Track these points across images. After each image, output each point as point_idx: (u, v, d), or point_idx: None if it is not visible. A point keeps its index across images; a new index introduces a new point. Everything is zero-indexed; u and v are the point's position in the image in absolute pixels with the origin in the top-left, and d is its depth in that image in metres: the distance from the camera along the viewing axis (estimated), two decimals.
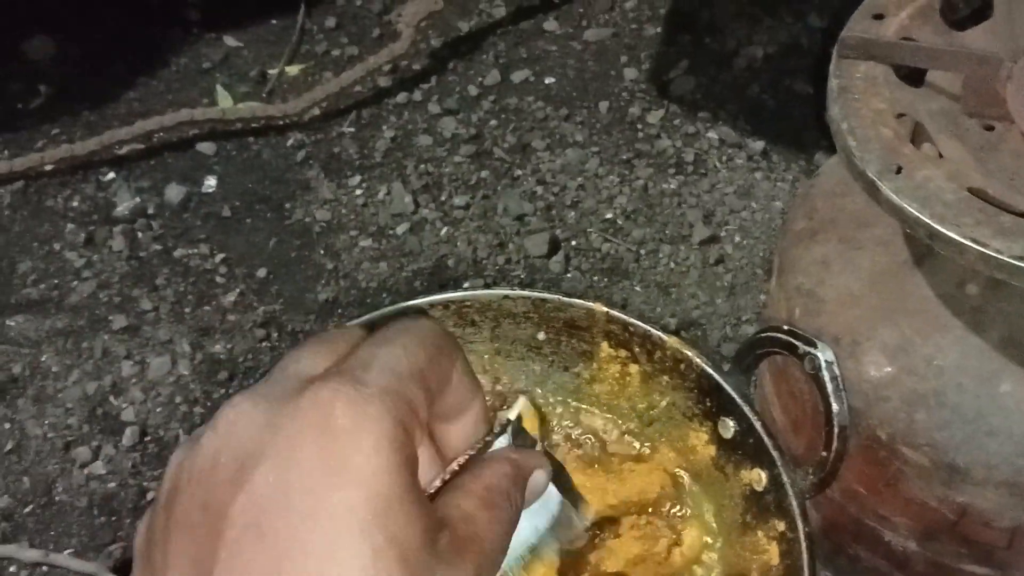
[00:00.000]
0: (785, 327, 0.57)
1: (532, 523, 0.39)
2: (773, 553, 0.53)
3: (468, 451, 0.35)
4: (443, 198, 1.16)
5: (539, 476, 0.36)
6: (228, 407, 0.32)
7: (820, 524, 0.74)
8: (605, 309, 0.61)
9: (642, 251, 1.10)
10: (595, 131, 1.21)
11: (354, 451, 0.30)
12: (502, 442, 0.37)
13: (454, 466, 0.35)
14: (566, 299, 0.62)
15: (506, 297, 0.62)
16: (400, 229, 1.14)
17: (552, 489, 0.38)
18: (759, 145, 1.17)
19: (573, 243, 1.11)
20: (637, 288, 1.07)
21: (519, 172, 1.18)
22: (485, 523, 0.33)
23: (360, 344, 0.35)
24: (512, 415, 0.37)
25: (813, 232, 0.76)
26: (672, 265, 1.08)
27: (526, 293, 0.62)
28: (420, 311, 0.56)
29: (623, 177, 1.16)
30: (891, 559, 0.73)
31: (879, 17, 0.67)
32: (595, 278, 1.08)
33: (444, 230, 1.14)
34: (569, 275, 1.09)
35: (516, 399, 0.38)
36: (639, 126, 1.21)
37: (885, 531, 0.72)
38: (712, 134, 1.19)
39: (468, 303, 0.63)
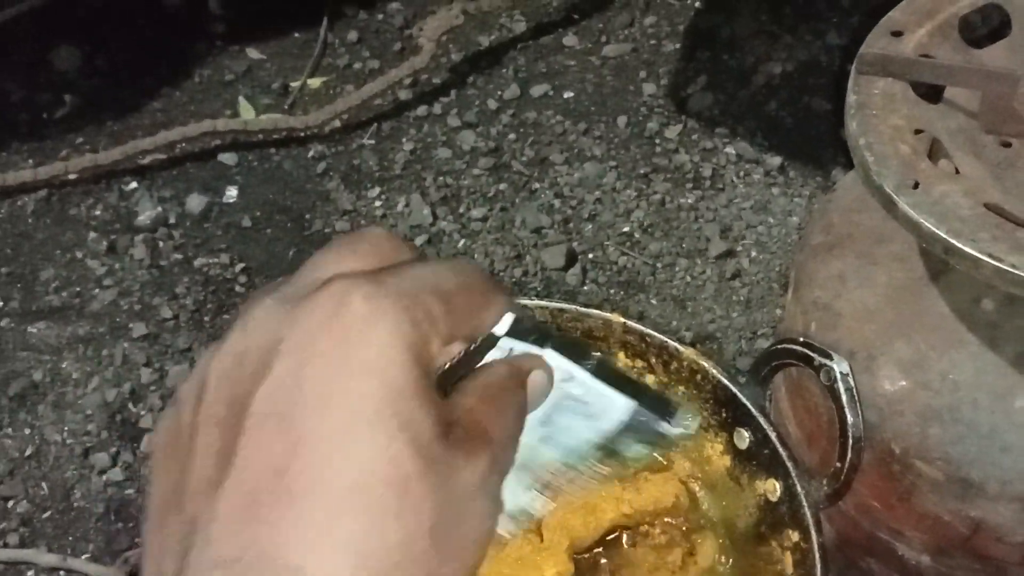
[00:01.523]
0: (801, 339, 0.58)
1: (591, 425, 0.39)
2: (787, 563, 0.53)
3: (454, 356, 0.35)
4: (461, 210, 1.17)
5: (537, 376, 0.36)
6: (251, 305, 0.33)
7: (834, 538, 0.74)
8: (622, 320, 0.61)
9: (659, 265, 1.10)
10: (613, 145, 1.22)
11: (369, 343, 0.31)
12: (494, 354, 0.36)
13: (448, 360, 0.35)
14: (583, 309, 0.62)
15: (524, 307, 0.63)
16: (418, 241, 1.15)
17: (613, 395, 0.38)
18: (776, 161, 1.17)
19: (590, 256, 1.12)
20: (653, 301, 1.07)
21: (537, 185, 1.19)
22: (491, 418, 0.34)
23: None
24: (498, 329, 0.37)
25: (830, 247, 0.76)
26: (688, 279, 1.09)
27: (544, 303, 0.63)
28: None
29: (640, 191, 1.17)
30: (904, 573, 0.73)
31: (898, 34, 0.68)
32: (611, 291, 1.09)
33: (462, 242, 1.14)
34: (586, 288, 1.09)
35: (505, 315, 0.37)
36: (657, 141, 1.22)
37: (898, 545, 0.72)
38: (730, 149, 1.19)
39: None
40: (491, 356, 0.36)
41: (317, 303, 0.31)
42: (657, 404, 0.39)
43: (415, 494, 0.30)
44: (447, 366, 0.34)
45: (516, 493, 0.37)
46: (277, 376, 0.31)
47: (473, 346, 0.35)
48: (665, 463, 0.60)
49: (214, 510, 0.30)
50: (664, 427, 0.40)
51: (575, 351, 0.38)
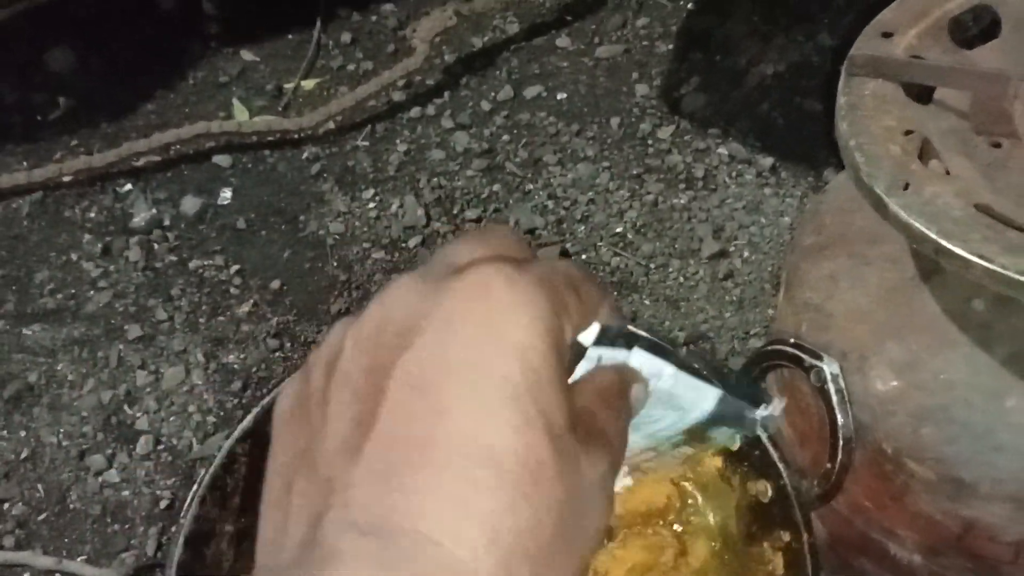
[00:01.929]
0: (792, 340, 0.58)
1: (681, 415, 0.40)
2: (778, 563, 0.53)
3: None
4: (455, 211, 1.18)
5: (638, 388, 0.37)
6: (393, 285, 0.33)
7: (826, 538, 0.74)
8: None
9: (652, 265, 1.11)
10: (606, 146, 1.22)
11: (512, 325, 0.31)
12: (584, 364, 0.37)
13: None
14: None
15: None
16: (412, 242, 1.15)
17: (701, 386, 0.39)
18: (768, 161, 1.18)
19: (583, 257, 1.12)
20: (646, 302, 1.08)
21: (530, 186, 1.19)
22: (608, 420, 0.34)
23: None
24: (585, 339, 0.37)
25: (822, 247, 0.76)
26: (681, 279, 1.09)
27: None
28: None
29: (633, 192, 1.17)
30: (897, 573, 0.73)
31: (888, 35, 0.68)
32: None
33: None
34: None
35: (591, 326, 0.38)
36: (650, 142, 1.22)
37: (891, 545, 0.72)
38: (722, 150, 1.20)
39: None
40: (582, 366, 0.36)
41: (461, 283, 0.32)
42: (743, 391, 0.40)
43: (548, 481, 0.30)
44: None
45: None
46: (421, 348, 0.31)
47: (581, 346, 0.36)
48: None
49: (353, 474, 0.30)
50: (749, 411, 0.40)
51: (660, 351, 0.38)
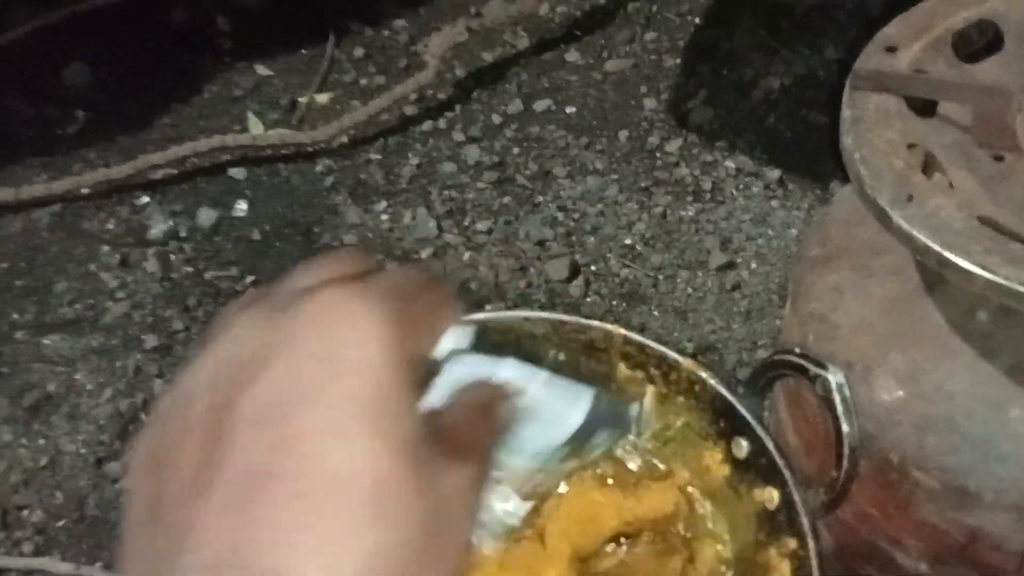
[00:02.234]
0: (797, 350, 0.59)
1: (554, 430, 0.40)
2: (784, 571, 0.54)
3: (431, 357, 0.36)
4: (466, 223, 1.19)
5: (507, 405, 0.36)
6: (234, 319, 0.33)
7: (833, 546, 0.75)
8: (623, 331, 0.63)
9: (660, 276, 1.12)
10: (615, 159, 1.24)
11: (353, 344, 0.31)
12: (452, 367, 0.38)
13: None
14: (584, 321, 0.64)
15: (526, 319, 0.64)
16: (424, 253, 1.16)
17: (571, 396, 0.40)
18: (775, 174, 1.19)
19: (592, 268, 1.13)
20: (655, 313, 1.09)
21: (540, 199, 1.20)
22: (477, 431, 0.34)
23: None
24: (463, 341, 0.37)
25: (827, 259, 0.77)
26: (689, 290, 1.10)
27: (545, 315, 0.64)
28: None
29: (642, 204, 1.18)
30: None
31: (892, 50, 0.69)
32: (614, 303, 1.10)
33: (467, 255, 1.16)
34: (588, 299, 1.11)
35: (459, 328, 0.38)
36: (658, 154, 1.23)
37: (896, 553, 0.73)
38: (729, 163, 1.21)
39: (489, 324, 0.65)
40: (453, 367, 0.37)
41: (302, 309, 0.32)
42: (611, 400, 0.41)
43: (404, 497, 0.30)
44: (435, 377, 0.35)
45: (489, 506, 0.38)
46: (264, 380, 0.31)
47: (439, 357, 0.36)
48: (665, 471, 0.62)
49: (197, 516, 0.30)
50: (622, 408, 0.41)
51: (532, 359, 0.39)
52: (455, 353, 0.37)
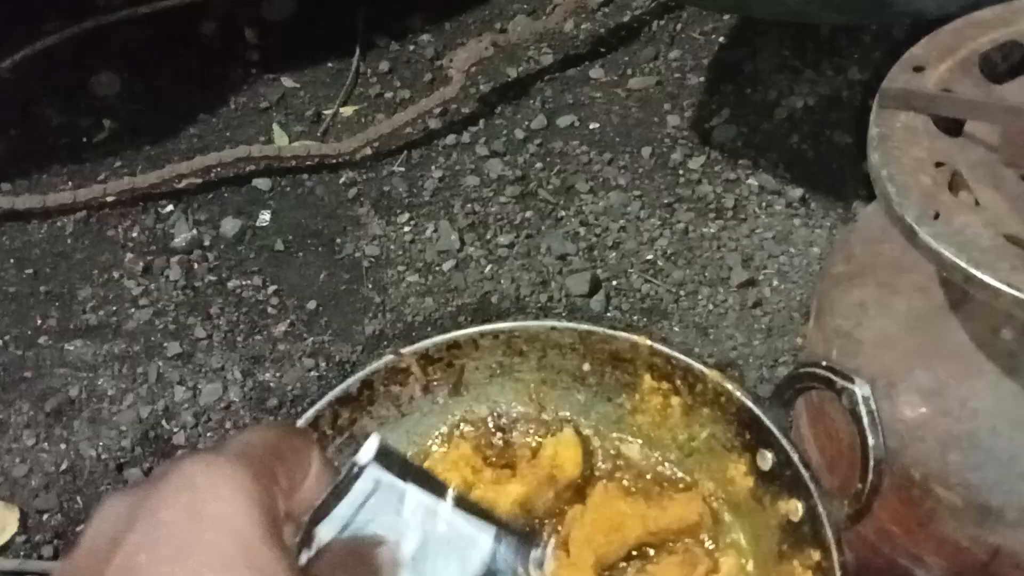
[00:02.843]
0: (824, 363, 0.59)
1: (459, 566, 0.40)
2: None
3: (324, 490, 0.38)
4: (488, 237, 1.20)
5: (384, 550, 0.38)
6: (99, 505, 0.35)
7: (854, 563, 0.75)
8: (649, 342, 0.63)
9: (681, 292, 1.12)
10: (637, 175, 1.24)
11: (214, 500, 0.33)
12: (362, 486, 0.39)
13: (316, 503, 0.37)
14: (611, 332, 0.64)
15: (553, 328, 0.65)
16: (446, 266, 1.17)
17: (474, 530, 0.40)
18: (798, 192, 1.19)
19: (614, 283, 1.14)
20: (676, 328, 1.09)
21: (563, 213, 1.21)
22: (346, 571, 0.36)
23: None
24: (362, 456, 0.39)
25: (851, 276, 0.78)
26: (711, 307, 1.11)
27: (573, 325, 0.65)
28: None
29: (664, 220, 1.19)
30: None
31: (919, 70, 0.69)
32: (635, 317, 1.11)
33: (489, 267, 1.17)
34: (609, 314, 1.11)
35: (367, 439, 0.39)
36: (680, 171, 1.24)
37: (918, 571, 0.73)
38: (752, 181, 1.21)
39: (517, 333, 0.65)
40: (359, 487, 0.38)
41: (162, 480, 0.34)
42: (515, 528, 0.41)
43: None
44: (316, 504, 0.37)
45: None
46: (128, 546, 0.32)
47: (340, 479, 0.38)
48: (689, 482, 0.62)
49: None
50: (524, 548, 0.41)
51: (434, 485, 0.40)
52: (357, 468, 0.38)
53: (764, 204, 1.19)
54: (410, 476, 0.39)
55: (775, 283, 1.12)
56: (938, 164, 0.64)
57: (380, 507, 0.39)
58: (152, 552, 0.32)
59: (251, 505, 0.33)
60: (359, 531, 0.38)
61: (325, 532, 0.37)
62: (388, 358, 0.67)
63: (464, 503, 0.40)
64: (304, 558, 0.37)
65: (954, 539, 0.69)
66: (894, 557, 0.74)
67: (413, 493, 0.39)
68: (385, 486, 0.39)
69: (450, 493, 0.40)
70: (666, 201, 1.21)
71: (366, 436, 0.39)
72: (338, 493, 0.38)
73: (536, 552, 0.42)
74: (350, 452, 0.57)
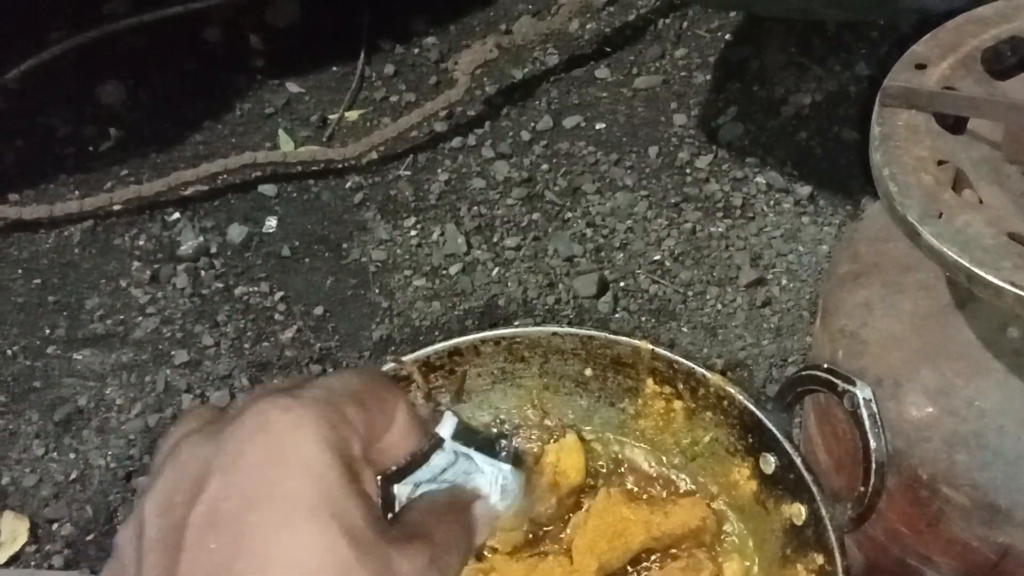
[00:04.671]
0: (825, 366, 0.59)
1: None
2: None
3: (405, 456, 0.38)
4: (495, 239, 1.19)
5: (483, 506, 0.39)
6: (181, 445, 0.35)
7: (863, 564, 0.74)
8: (650, 347, 0.62)
9: (689, 293, 1.11)
10: (644, 175, 1.24)
11: (293, 446, 0.33)
12: (441, 459, 0.40)
13: (393, 467, 0.38)
14: (613, 336, 0.64)
15: (555, 334, 0.65)
16: (453, 269, 1.17)
17: (512, 474, 0.41)
18: (806, 190, 1.18)
19: (622, 284, 1.13)
20: (684, 329, 1.09)
21: (569, 215, 1.20)
22: (431, 523, 0.36)
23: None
24: (443, 431, 0.40)
25: (856, 275, 0.77)
26: (719, 307, 1.10)
27: (574, 330, 0.64)
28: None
29: (671, 220, 1.18)
30: None
31: (921, 67, 0.69)
32: (643, 319, 1.10)
33: (496, 270, 1.16)
34: (617, 315, 1.11)
35: (443, 415, 0.40)
36: (688, 171, 1.23)
37: (927, 571, 0.72)
38: (760, 179, 1.20)
39: (518, 339, 0.65)
40: (438, 459, 0.39)
41: (240, 424, 0.34)
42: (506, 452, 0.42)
43: None
44: (394, 468, 0.38)
45: None
46: (211, 492, 0.33)
47: (421, 448, 0.39)
48: (692, 487, 0.61)
49: None
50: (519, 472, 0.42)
51: (490, 447, 0.41)
52: (439, 440, 0.40)
53: (772, 202, 1.19)
54: (474, 444, 0.41)
55: (784, 282, 1.11)
56: (940, 162, 0.63)
57: (454, 476, 0.40)
58: (235, 497, 0.32)
59: (329, 451, 0.33)
60: (438, 491, 0.39)
61: (402, 492, 0.38)
62: (389, 365, 0.67)
63: (515, 458, 0.42)
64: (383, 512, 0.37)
65: (963, 539, 0.68)
66: (903, 558, 0.73)
67: (481, 461, 0.41)
68: (462, 458, 0.40)
69: (502, 449, 0.42)
70: (673, 201, 1.20)
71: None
72: (417, 459, 0.39)
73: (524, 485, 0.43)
74: None
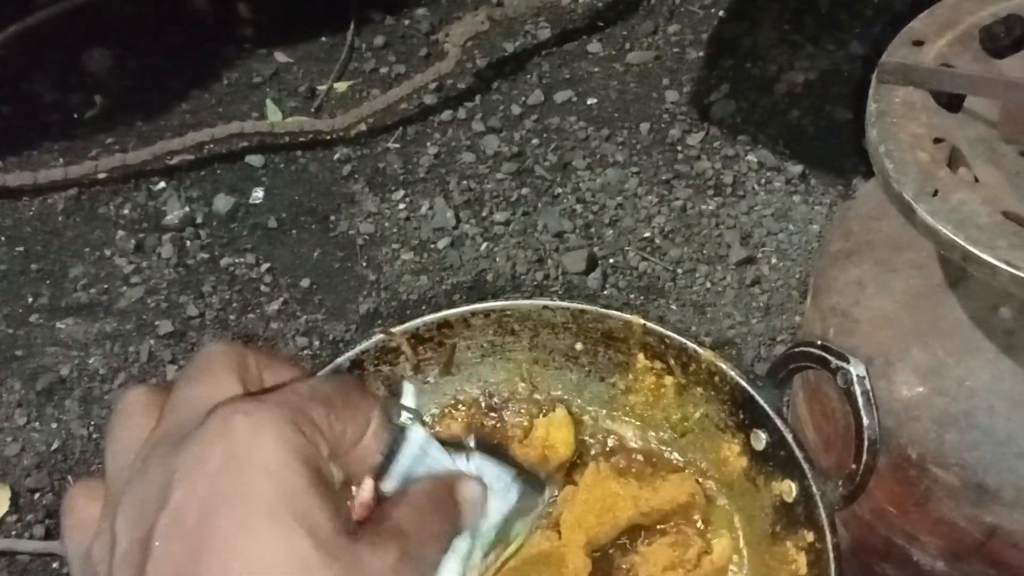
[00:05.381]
0: (819, 342, 0.59)
1: (496, 505, 0.41)
2: (801, 563, 0.54)
3: (379, 453, 0.38)
4: (484, 214, 1.18)
5: (469, 487, 0.39)
6: (148, 456, 0.35)
7: (850, 543, 0.74)
8: (642, 321, 0.62)
9: (679, 270, 1.11)
10: (635, 151, 1.23)
11: (256, 449, 0.33)
12: (416, 439, 0.39)
13: (368, 484, 0.38)
14: (604, 311, 0.63)
15: (546, 307, 0.64)
16: (441, 243, 1.16)
17: (507, 477, 0.41)
18: (797, 169, 1.18)
19: (611, 261, 1.13)
20: (673, 306, 1.08)
21: (559, 190, 1.20)
22: (409, 520, 0.36)
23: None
24: (406, 400, 0.39)
25: (849, 253, 0.77)
26: (708, 285, 1.10)
27: (565, 304, 0.64)
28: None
29: (662, 197, 1.17)
30: None
31: (919, 44, 0.68)
32: (632, 296, 1.10)
33: (484, 245, 1.16)
34: (606, 292, 1.10)
35: (402, 384, 0.40)
36: (679, 148, 1.22)
37: (914, 551, 0.72)
38: (751, 157, 1.20)
39: (508, 312, 0.64)
40: (414, 438, 0.39)
41: (203, 431, 0.33)
42: (531, 477, 0.42)
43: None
44: (375, 462, 0.37)
45: None
46: (174, 502, 0.32)
47: (389, 442, 0.38)
48: (682, 463, 0.61)
49: None
50: (536, 499, 0.41)
51: (452, 440, 0.40)
52: (403, 439, 0.39)
53: (763, 181, 1.18)
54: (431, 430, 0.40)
55: (774, 261, 1.11)
56: (937, 140, 0.63)
57: (434, 460, 0.39)
58: (199, 506, 0.32)
59: (292, 454, 0.33)
60: (414, 483, 0.38)
61: (388, 486, 0.38)
62: (378, 337, 0.66)
63: (484, 447, 0.41)
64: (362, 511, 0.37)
65: (950, 519, 0.68)
66: (890, 537, 0.73)
67: (458, 459, 0.40)
68: (433, 447, 0.39)
69: (470, 440, 0.41)
70: (664, 178, 1.20)
71: None
72: (394, 448, 0.38)
73: (549, 492, 0.43)
74: None
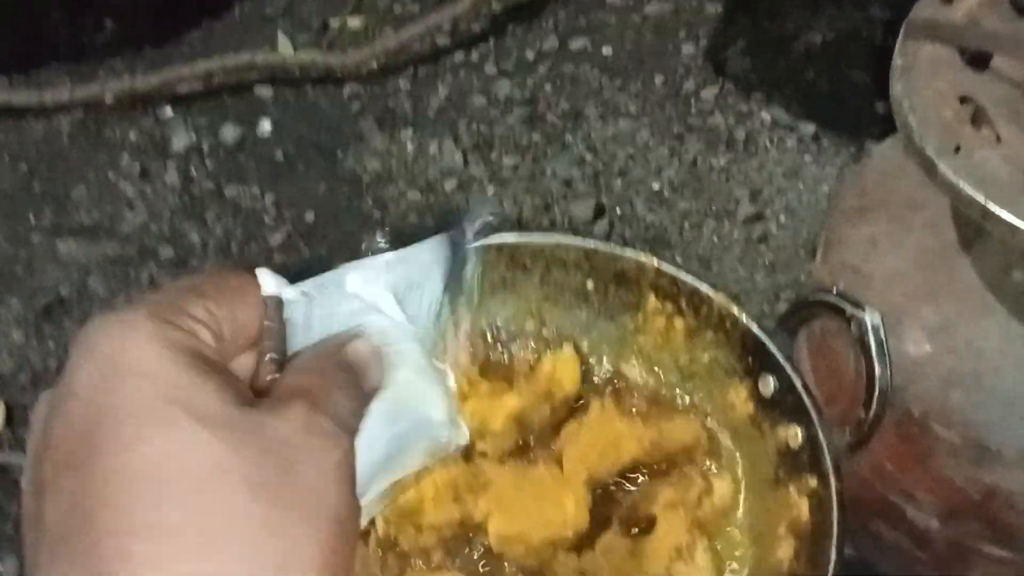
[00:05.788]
0: (835, 290, 0.59)
1: (429, 287, 0.41)
2: (803, 509, 0.54)
3: (265, 325, 0.37)
4: (493, 157, 1.18)
5: (357, 344, 0.37)
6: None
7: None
8: (656, 262, 0.62)
9: (686, 223, 1.11)
10: (648, 103, 1.22)
11: (123, 354, 0.31)
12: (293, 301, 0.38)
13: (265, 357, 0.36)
14: (617, 250, 0.63)
15: (559, 244, 0.63)
16: (448, 185, 1.15)
17: (427, 243, 0.41)
18: (810, 129, 1.17)
19: (618, 211, 1.12)
20: (679, 259, 1.08)
21: (570, 138, 1.19)
22: (306, 379, 0.35)
23: None
24: (267, 287, 0.38)
25: (863, 210, 0.76)
26: (715, 239, 1.09)
27: (579, 241, 0.63)
28: None
29: (673, 150, 1.17)
30: (912, 536, 0.74)
31: (948, 1, 0.68)
32: (637, 246, 1.09)
33: (491, 189, 1.15)
34: (612, 241, 1.10)
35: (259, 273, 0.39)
36: (693, 101, 1.22)
37: (909, 508, 0.73)
38: (765, 114, 1.19)
39: (521, 247, 0.64)
40: (293, 305, 0.38)
41: (74, 349, 0.33)
42: (457, 220, 0.42)
43: (218, 464, 0.30)
44: (265, 339, 0.36)
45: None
46: (55, 435, 0.31)
47: (273, 310, 0.37)
48: (688, 404, 0.61)
49: (33, 566, 0.31)
50: (461, 235, 0.41)
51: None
52: (274, 297, 0.38)
53: (776, 139, 1.17)
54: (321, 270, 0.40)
55: (782, 219, 1.11)
56: (962, 98, 0.62)
57: (328, 306, 0.38)
58: (79, 430, 0.31)
59: (165, 347, 0.32)
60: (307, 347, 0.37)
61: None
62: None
63: (394, 237, 0.40)
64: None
65: (949, 478, 0.69)
66: (886, 494, 0.74)
67: (343, 273, 0.39)
68: (315, 289, 0.39)
69: (377, 241, 0.40)
70: (676, 131, 1.19)
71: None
72: (277, 321, 0.37)
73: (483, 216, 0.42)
74: None
